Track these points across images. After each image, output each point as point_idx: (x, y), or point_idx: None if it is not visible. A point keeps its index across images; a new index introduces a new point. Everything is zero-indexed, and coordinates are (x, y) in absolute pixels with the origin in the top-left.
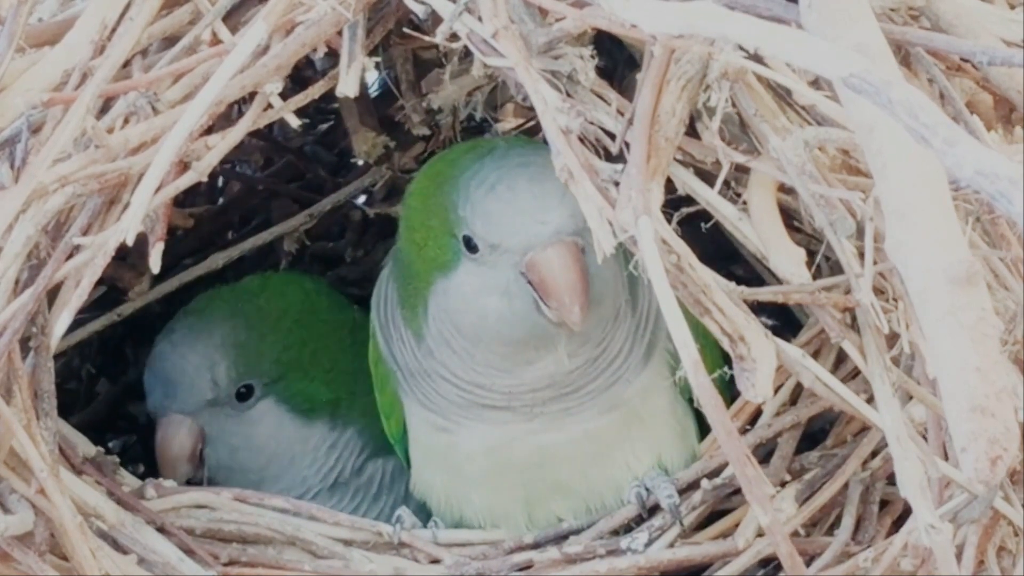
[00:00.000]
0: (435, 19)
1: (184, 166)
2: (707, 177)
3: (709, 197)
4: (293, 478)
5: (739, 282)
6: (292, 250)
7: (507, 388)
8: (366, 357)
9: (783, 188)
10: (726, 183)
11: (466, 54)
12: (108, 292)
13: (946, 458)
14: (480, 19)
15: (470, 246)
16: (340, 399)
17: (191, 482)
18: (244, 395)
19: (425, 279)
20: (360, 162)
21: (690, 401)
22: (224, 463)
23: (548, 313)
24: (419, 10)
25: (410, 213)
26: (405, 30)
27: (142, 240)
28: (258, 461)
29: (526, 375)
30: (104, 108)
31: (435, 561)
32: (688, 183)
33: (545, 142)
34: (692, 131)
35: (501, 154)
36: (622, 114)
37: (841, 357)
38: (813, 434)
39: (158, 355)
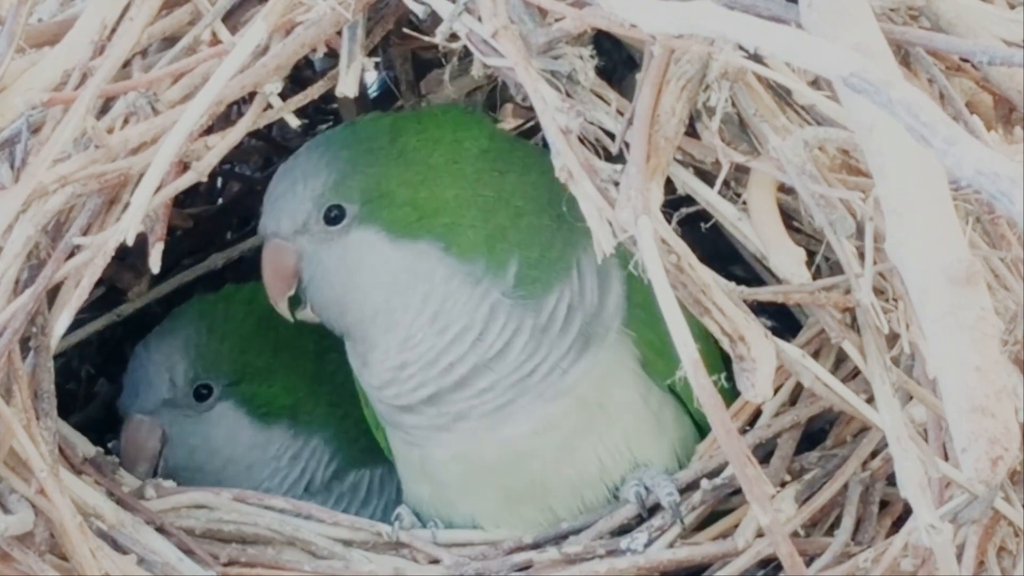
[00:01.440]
0: (435, 19)
1: (184, 166)
2: (707, 177)
3: (709, 197)
4: (251, 486)
5: (739, 282)
6: None
7: (363, 377)
8: (332, 366)
9: (783, 188)
10: (726, 183)
11: (466, 54)
12: (108, 292)
13: (946, 458)
14: (480, 19)
15: None
16: (300, 405)
17: None
18: (204, 396)
19: None
20: None
21: (674, 394)
22: (183, 464)
23: None
24: (419, 10)
25: None
26: (405, 30)
27: (142, 240)
28: (214, 463)
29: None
30: (104, 108)
31: (434, 561)
32: (688, 183)
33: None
34: (692, 131)
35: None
36: (622, 114)
37: (841, 357)
38: (813, 434)
39: (131, 358)
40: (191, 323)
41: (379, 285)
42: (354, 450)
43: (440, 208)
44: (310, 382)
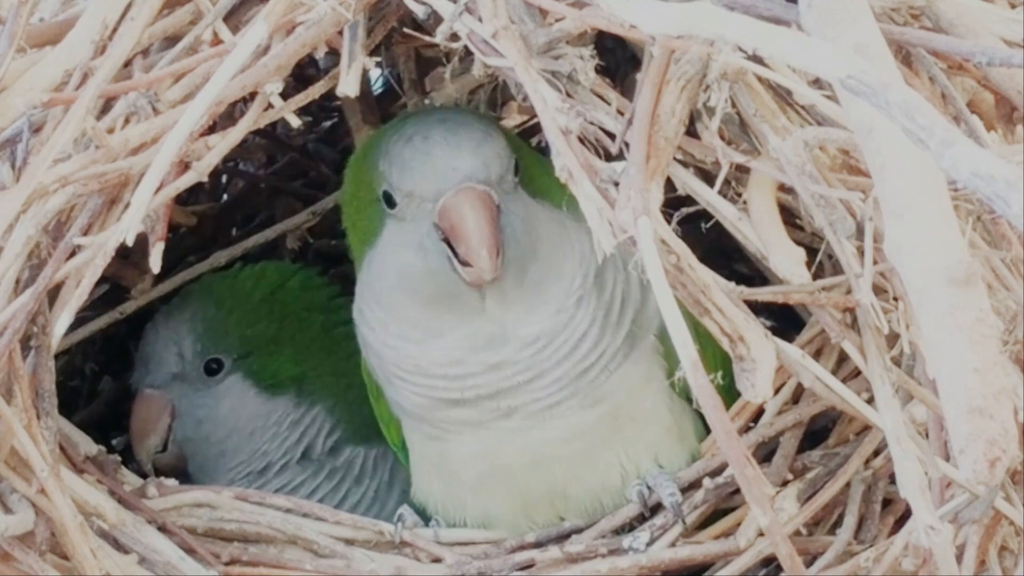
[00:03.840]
0: (436, 19)
1: (185, 166)
2: (707, 177)
3: (709, 197)
4: (253, 451)
5: (743, 279)
6: (295, 247)
7: (440, 370)
8: (339, 340)
9: (783, 187)
10: (726, 183)
11: (467, 53)
12: (111, 290)
13: (947, 458)
14: (480, 19)
15: (389, 202)
16: (306, 375)
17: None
18: (215, 370)
19: (358, 258)
20: None
21: (689, 401)
22: (189, 436)
23: (461, 271)
24: (419, 10)
25: (344, 193)
26: (406, 30)
27: (145, 239)
28: (219, 434)
29: (439, 349)
30: (105, 108)
31: (437, 560)
32: (688, 183)
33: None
34: (692, 131)
35: (424, 112)
36: (622, 114)
37: (843, 356)
38: (815, 433)
39: (143, 335)
40: (199, 298)
41: (550, 238)
42: (356, 423)
43: None
44: (316, 354)
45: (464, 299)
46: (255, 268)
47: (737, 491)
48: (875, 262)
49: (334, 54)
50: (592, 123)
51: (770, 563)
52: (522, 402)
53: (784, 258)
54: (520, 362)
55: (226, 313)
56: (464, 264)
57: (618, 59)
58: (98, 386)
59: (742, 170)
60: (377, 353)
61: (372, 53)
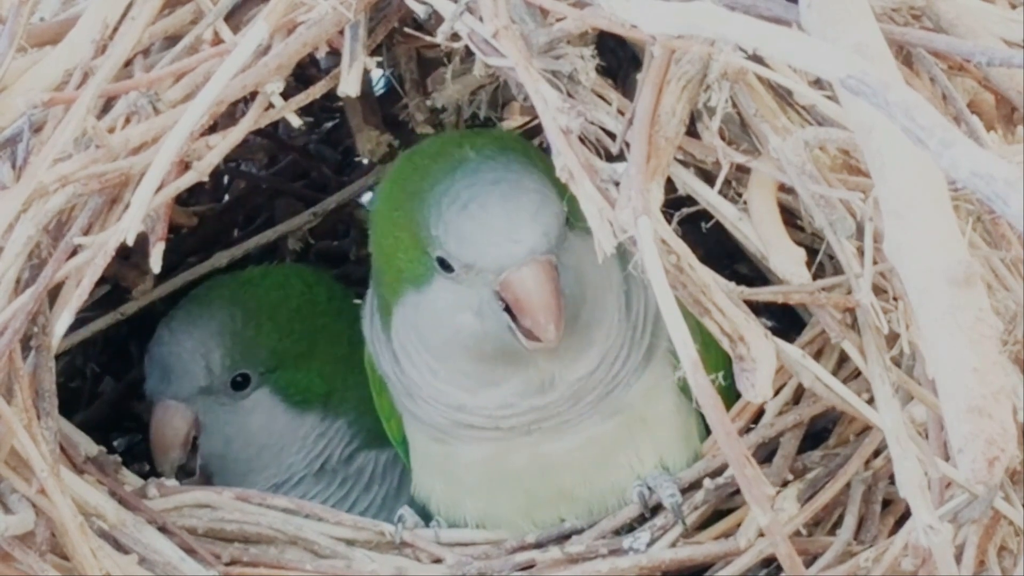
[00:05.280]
0: (437, 18)
1: (185, 166)
2: (707, 177)
3: (709, 197)
4: (279, 466)
5: (743, 280)
6: (296, 248)
7: (485, 411)
8: (362, 350)
9: (783, 187)
10: (727, 183)
11: (469, 53)
12: (112, 291)
13: (947, 458)
14: (481, 19)
15: (445, 266)
16: (334, 391)
17: (183, 469)
18: (241, 384)
19: (394, 289)
20: (364, 160)
21: (691, 401)
22: (217, 452)
23: (521, 339)
24: (420, 10)
25: (378, 218)
26: (407, 30)
27: (146, 239)
28: (248, 451)
29: (490, 397)
30: (105, 108)
31: (437, 561)
32: (688, 183)
33: (516, 139)
34: (692, 131)
35: (472, 168)
36: (622, 114)
37: (843, 357)
38: (816, 433)
39: (157, 340)
40: (223, 308)
41: (595, 275)
42: (372, 429)
43: None
44: (344, 367)
45: (518, 354)
46: (276, 274)
47: (737, 491)
48: (875, 262)
49: (335, 54)
50: (593, 123)
51: (770, 563)
52: (550, 424)
53: (784, 258)
54: (562, 399)
55: (255, 325)
56: (525, 333)
57: (619, 59)
58: (99, 387)
59: (742, 170)
60: (416, 385)
61: (373, 53)
